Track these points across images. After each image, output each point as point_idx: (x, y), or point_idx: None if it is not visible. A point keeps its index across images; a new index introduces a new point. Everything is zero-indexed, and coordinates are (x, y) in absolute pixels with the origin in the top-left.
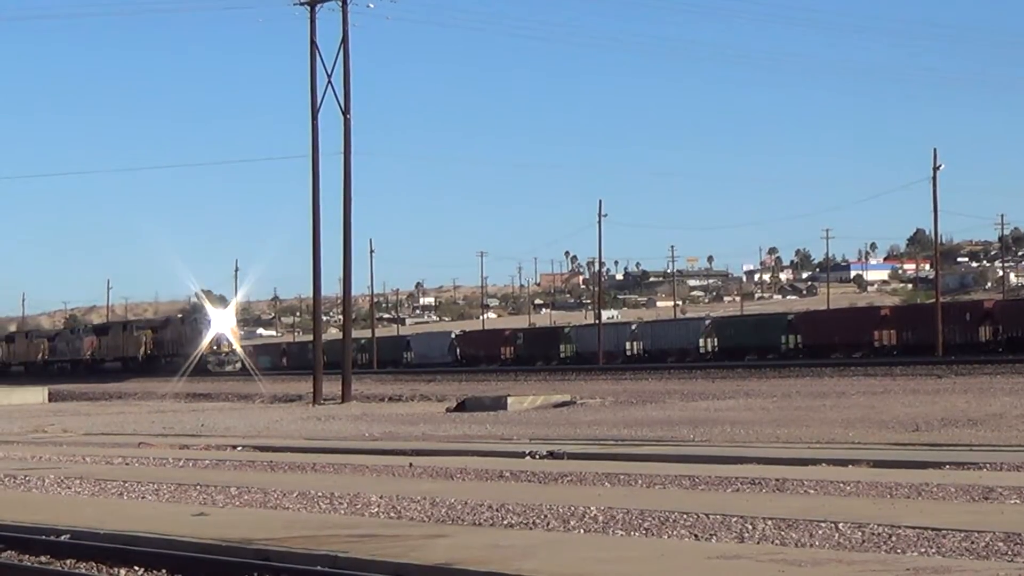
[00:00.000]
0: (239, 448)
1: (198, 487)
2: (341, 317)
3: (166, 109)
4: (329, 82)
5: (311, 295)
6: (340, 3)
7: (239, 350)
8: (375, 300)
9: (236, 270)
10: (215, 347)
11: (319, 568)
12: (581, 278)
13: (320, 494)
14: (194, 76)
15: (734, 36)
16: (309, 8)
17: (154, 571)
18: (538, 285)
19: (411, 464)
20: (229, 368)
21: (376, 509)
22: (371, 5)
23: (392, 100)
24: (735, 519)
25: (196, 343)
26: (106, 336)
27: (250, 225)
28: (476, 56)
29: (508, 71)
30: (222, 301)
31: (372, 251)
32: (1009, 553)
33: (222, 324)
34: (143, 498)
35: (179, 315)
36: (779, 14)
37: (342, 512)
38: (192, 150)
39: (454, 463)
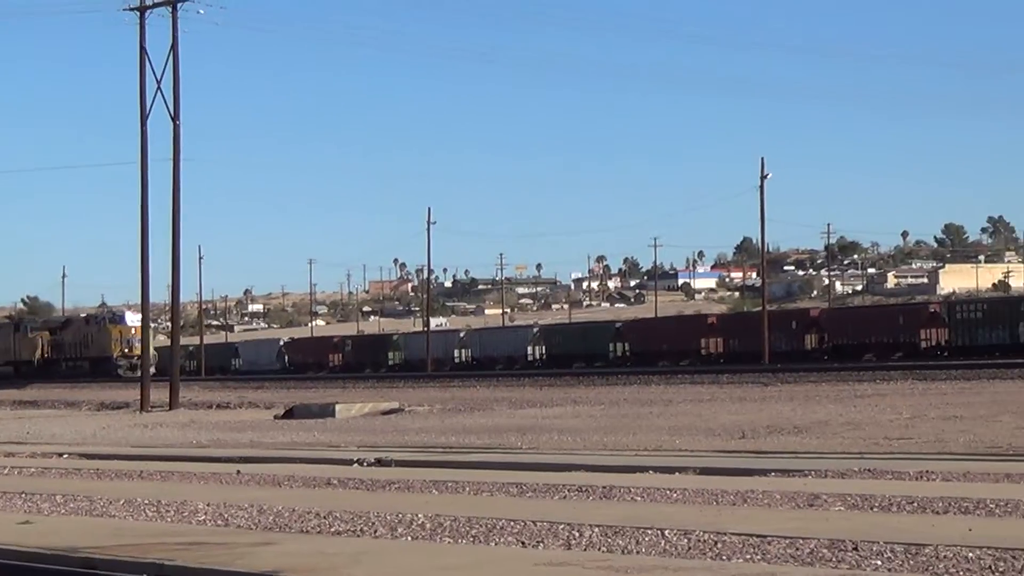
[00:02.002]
0: (65, 456)
1: (23, 495)
2: (169, 324)
3: None
4: (159, 88)
5: (139, 302)
6: (170, 9)
7: (154, 353)
8: (203, 307)
9: (64, 276)
10: (126, 350)
11: None
12: (410, 285)
13: (147, 502)
14: (22, 80)
15: (560, 43)
16: (139, 14)
17: None
18: (367, 292)
19: (239, 471)
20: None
21: (203, 516)
22: (201, 11)
23: (223, 107)
24: (562, 526)
25: (104, 345)
26: None
27: (78, 232)
28: (306, 62)
29: (337, 77)
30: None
31: (201, 257)
32: (834, 560)
33: (134, 325)
34: None
35: (83, 315)
36: (602, 20)
37: (169, 520)
38: (19, 155)
39: (282, 470)
